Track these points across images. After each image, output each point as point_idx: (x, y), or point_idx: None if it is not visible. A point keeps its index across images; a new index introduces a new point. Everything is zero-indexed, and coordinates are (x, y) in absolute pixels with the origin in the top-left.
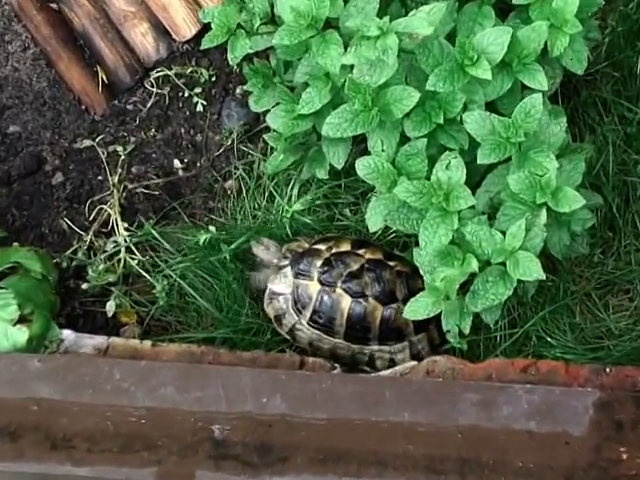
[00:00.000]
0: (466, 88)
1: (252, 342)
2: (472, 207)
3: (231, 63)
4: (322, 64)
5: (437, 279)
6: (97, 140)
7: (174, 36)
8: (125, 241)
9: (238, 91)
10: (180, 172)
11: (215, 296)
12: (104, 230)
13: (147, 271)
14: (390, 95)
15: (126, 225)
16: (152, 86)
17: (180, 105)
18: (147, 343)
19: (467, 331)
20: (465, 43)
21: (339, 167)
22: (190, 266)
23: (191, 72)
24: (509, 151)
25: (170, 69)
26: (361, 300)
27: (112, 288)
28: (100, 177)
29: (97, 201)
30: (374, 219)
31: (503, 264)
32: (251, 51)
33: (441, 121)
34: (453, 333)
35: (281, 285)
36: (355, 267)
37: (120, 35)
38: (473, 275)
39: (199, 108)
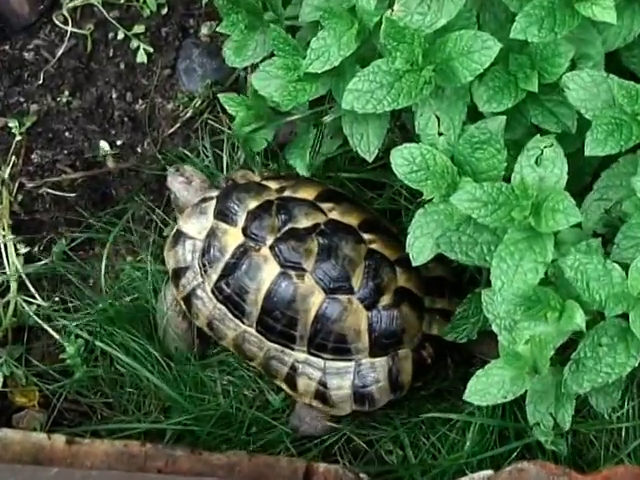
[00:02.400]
0: (575, 36)
1: (226, 437)
2: (577, 225)
3: None
4: None
5: (519, 341)
6: None
7: None
8: (19, 274)
9: (204, 31)
10: (109, 162)
11: (162, 362)
12: None
13: (53, 323)
14: (453, 46)
15: (22, 248)
16: (65, 22)
17: (111, 53)
18: (59, 438)
19: (567, 425)
20: None
21: (370, 158)
22: (124, 315)
23: (129, 0)
24: (637, 136)
25: None
26: (293, 274)
27: None
28: None
29: None
30: (420, 244)
31: (625, 317)
32: None
33: (534, 88)
34: (545, 427)
35: (194, 224)
36: (304, 224)
37: None
38: (577, 335)
39: (141, 58)
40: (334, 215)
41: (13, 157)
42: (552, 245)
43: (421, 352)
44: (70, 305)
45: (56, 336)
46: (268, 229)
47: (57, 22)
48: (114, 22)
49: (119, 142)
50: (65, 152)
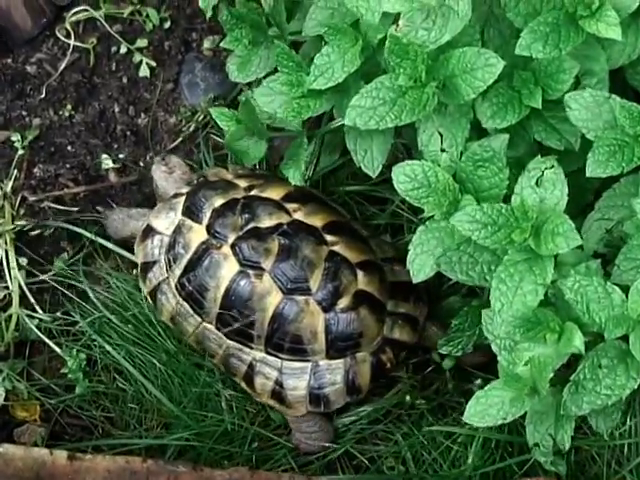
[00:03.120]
0: (580, 52)
1: (228, 453)
2: (578, 246)
3: (202, 5)
4: (351, 7)
5: (519, 362)
6: None
7: None
8: (21, 288)
9: (207, 45)
10: (112, 176)
11: (166, 376)
12: None
13: (55, 337)
14: (456, 63)
15: (23, 261)
16: (68, 36)
17: (113, 67)
18: (61, 454)
19: (567, 445)
20: None
21: (373, 174)
22: (125, 329)
23: (131, 14)
24: (638, 157)
25: (97, 8)
26: (251, 273)
27: None
28: None
29: None
30: (420, 261)
31: (625, 339)
32: None
33: (538, 104)
34: (544, 448)
35: (163, 220)
36: (266, 224)
37: None
38: (577, 357)
39: (143, 72)
40: (298, 216)
41: (15, 171)
42: (552, 267)
43: (380, 356)
44: (72, 319)
45: (57, 350)
46: (231, 227)
47: (60, 36)
48: (117, 36)
49: (121, 156)
50: (67, 166)
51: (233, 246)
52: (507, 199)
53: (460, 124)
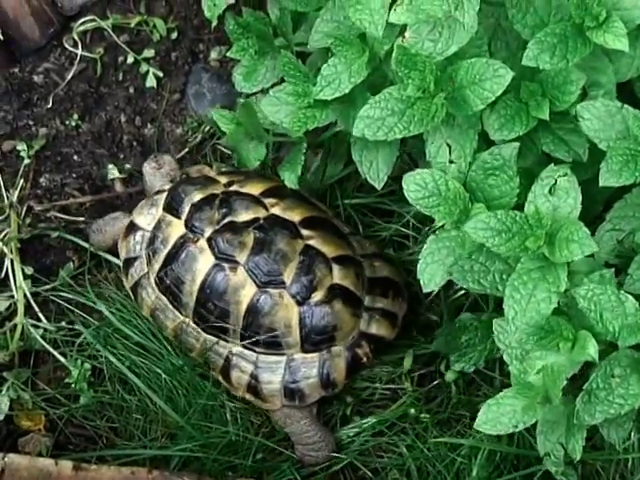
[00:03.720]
0: (587, 64)
1: (232, 464)
2: (590, 255)
3: (208, 15)
4: (355, 20)
5: (531, 370)
6: None
7: None
8: (26, 298)
9: (214, 56)
10: (118, 186)
11: (171, 387)
12: None
13: (59, 347)
14: (465, 74)
15: (29, 270)
16: (75, 46)
17: (120, 77)
18: (66, 464)
19: (578, 455)
20: None
21: (379, 186)
22: (130, 339)
23: (138, 24)
24: None
25: (105, 18)
26: (226, 266)
27: (4, 374)
28: None
29: None
30: (431, 270)
31: (638, 348)
32: None
33: (545, 116)
34: (555, 457)
35: (145, 216)
36: (243, 218)
37: None
38: (590, 365)
39: (150, 82)
40: (276, 210)
41: (22, 180)
42: (565, 275)
43: (356, 350)
44: (77, 329)
45: (62, 360)
46: (208, 221)
47: (67, 46)
48: (124, 46)
49: (128, 166)
50: (74, 176)
51: (209, 240)
52: (517, 208)
53: (468, 135)
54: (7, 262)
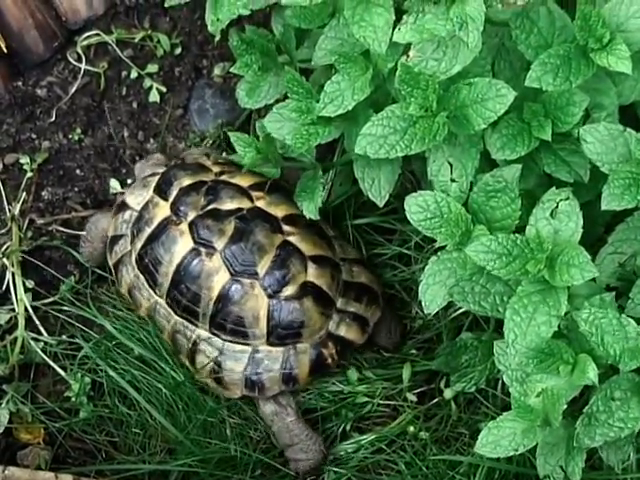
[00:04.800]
0: (590, 86)
1: (231, 479)
2: (591, 279)
3: (211, 29)
4: (359, 37)
5: (531, 393)
6: None
7: None
8: (27, 311)
9: (217, 72)
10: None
11: (171, 402)
12: None
13: (60, 360)
14: (467, 93)
15: (30, 284)
16: (79, 60)
17: (123, 91)
18: (66, 478)
19: (578, 477)
20: (590, 13)
21: (380, 203)
22: (131, 354)
23: (142, 39)
24: None
25: (109, 33)
26: (203, 251)
27: (4, 387)
28: None
29: None
30: (432, 292)
31: (638, 371)
32: (244, 12)
33: (548, 137)
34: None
35: (136, 197)
36: (227, 207)
37: None
38: (590, 388)
39: (153, 97)
40: (260, 204)
41: (24, 193)
42: (566, 298)
43: (322, 350)
44: (77, 343)
45: (62, 373)
46: (192, 206)
47: (71, 59)
48: (128, 61)
49: (130, 181)
50: (76, 190)
51: (191, 224)
52: (519, 230)
53: (470, 154)
54: (8, 275)
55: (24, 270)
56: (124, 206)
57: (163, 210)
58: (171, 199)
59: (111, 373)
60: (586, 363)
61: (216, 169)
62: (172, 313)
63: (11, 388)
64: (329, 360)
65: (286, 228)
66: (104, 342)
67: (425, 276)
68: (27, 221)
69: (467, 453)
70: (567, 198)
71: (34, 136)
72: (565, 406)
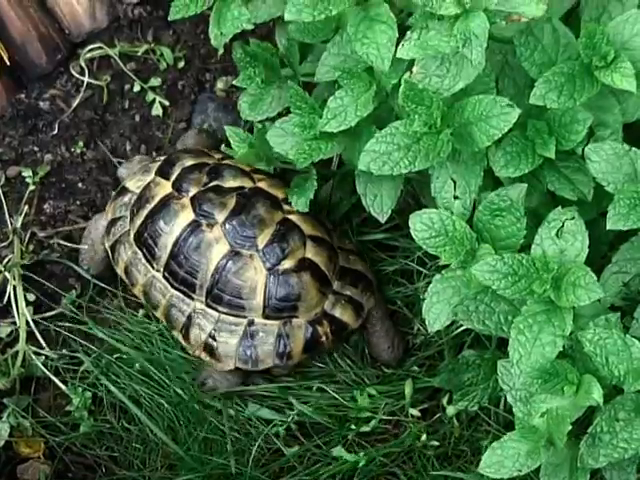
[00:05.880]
0: (594, 103)
1: None
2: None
3: (214, 43)
4: (362, 54)
5: (535, 413)
6: None
7: None
8: (28, 325)
9: (220, 86)
10: None
11: (173, 417)
12: None
13: (61, 374)
14: (472, 110)
15: (31, 297)
16: (82, 73)
17: (126, 105)
18: None
19: None
20: (595, 31)
21: (382, 219)
22: (132, 368)
23: (145, 52)
24: None
25: (112, 46)
26: (204, 223)
27: (4, 400)
28: None
29: None
30: (436, 310)
31: None
32: (248, 26)
33: (552, 154)
34: None
35: (136, 182)
36: (229, 184)
37: None
38: (593, 409)
39: (156, 111)
40: (262, 184)
41: (26, 206)
42: (571, 319)
43: (317, 327)
44: (78, 357)
45: (63, 388)
46: (194, 183)
47: (74, 72)
48: (131, 74)
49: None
50: (78, 203)
51: (192, 198)
52: (523, 249)
53: (474, 172)
54: (10, 288)
55: (25, 283)
56: (124, 190)
57: (164, 188)
58: (173, 178)
59: (112, 388)
60: (591, 384)
61: (218, 155)
62: (168, 286)
63: (12, 402)
64: (323, 338)
65: (287, 207)
66: (105, 356)
67: (429, 294)
68: (29, 234)
69: (469, 471)
70: (573, 217)
71: (36, 149)
72: (570, 427)
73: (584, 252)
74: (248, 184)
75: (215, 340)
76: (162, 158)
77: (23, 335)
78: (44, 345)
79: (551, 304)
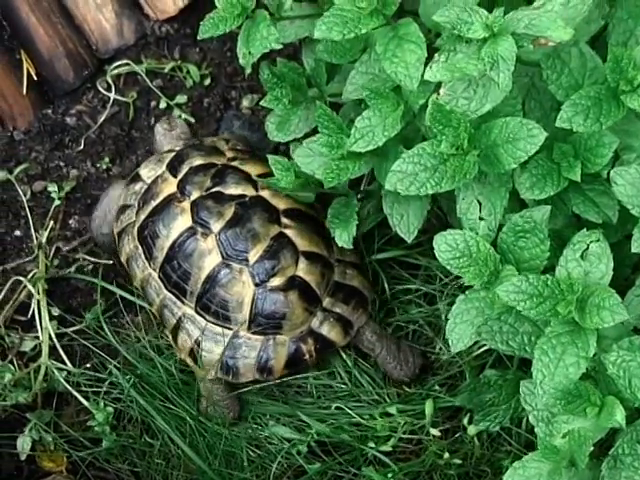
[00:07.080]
0: (620, 127)
1: None
2: None
3: (242, 62)
4: (391, 72)
5: (557, 434)
6: (16, 172)
7: (148, 11)
8: (51, 339)
9: (246, 103)
10: None
11: (194, 432)
12: (20, 318)
13: (83, 390)
14: (499, 132)
15: (55, 312)
16: (108, 89)
17: (152, 121)
18: None
19: None
20: (622, 55)
21: (409, 239)
22: (157, 385)
23: (172, 69)
24: None
25: (139, 63)
26: (199, 231)
27: (27, 414)
28: (18, 232)
29: (11, 270)
30: (459, 331)
31: None
32: (276, 46)
33: (577, 177)
34: None
35: (149, 171)
36: (231, 191)
37: (62, 5)
38: (615, 431)
39: None
40: (264, 193)
41: (51, 221)
42: (595, 340)
43: (300, 345)
44: (101, 373)
45: (85, 403)
46: (198, 186)
47: (100, 88)
48: (157, 91)
49: None
50: None
51: (193, 203)
52: (547, 271)
53: (499, 193)
54: (34, 303)
55: (50, 298)
56: (137, 177)
57: (170, 186)
58: (180, 176)
59: (141, 401)
60: (613, 405)
61: (230, 154)
62: (162, 287)
63: (34, 416)
64: (306, 356)
65: (284, 221)
66: (128, 372)
67: (452, 315)
68: (54, 249)
69: None
70: (597, 240)
71: (62, 164)
72: (591, 448)
73: (609, 274)
74: (250, 192)
75: (200, 347)
76: (177, 149)
77: (46, 349)
78: (66, 360)
79: (575, 325)
